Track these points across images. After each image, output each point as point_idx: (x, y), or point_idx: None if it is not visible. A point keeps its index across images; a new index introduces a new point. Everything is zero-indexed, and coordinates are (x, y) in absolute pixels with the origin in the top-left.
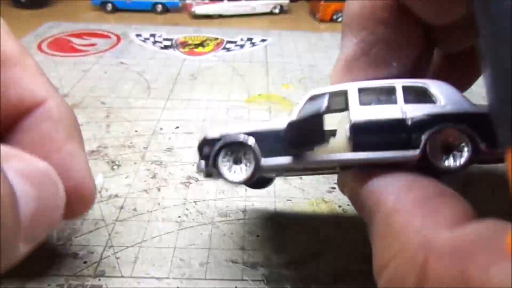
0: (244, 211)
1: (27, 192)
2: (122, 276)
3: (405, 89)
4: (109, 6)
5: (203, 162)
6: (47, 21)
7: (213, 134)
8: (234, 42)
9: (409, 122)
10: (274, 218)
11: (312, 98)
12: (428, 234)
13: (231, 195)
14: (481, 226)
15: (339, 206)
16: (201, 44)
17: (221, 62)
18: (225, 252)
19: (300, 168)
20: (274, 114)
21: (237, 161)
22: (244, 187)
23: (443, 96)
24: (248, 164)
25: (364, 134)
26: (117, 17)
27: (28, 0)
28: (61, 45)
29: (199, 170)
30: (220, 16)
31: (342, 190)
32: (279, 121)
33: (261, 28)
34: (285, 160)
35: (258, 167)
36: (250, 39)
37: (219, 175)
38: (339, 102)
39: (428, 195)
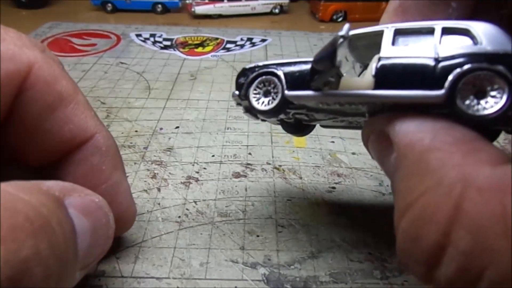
0: (244, 211)
1: (84, 226)
2: (122, 276)
3: (445, 30)
4: (109, 6)
5: (237, 91)
6: (47, 21)
7: (250, 65)
8: (234, 42)
9: (439, 62)
10: (274, 218)
11: (350, 42)
12: (468, 169)
13: (231, 195)
14: None
15: (339, 206)
16: (201, 44)
17: (221, 62)
18: (225, 252)
19: (325, 108)
20: None
21: (267, 94)
22: (245, 186)
23: (486, 37)
24: (275, 96)
25: (389, 74)
26: (117, 17)
27: (28, 0)
28: (61, 45)
29: (233, 97)
30: (220, 16)
31: (366, 140)
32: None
33: (261, 28)
34: (307, 93)
35: (283, 100)
36: (250, 39)
37: (249, 105)
38: (371, 51)
39: (468, 137)
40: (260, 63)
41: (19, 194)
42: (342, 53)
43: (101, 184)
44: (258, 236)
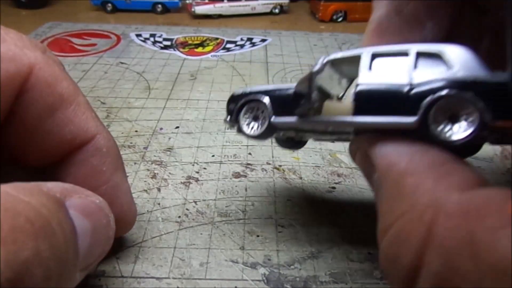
0: (244, 211)
1: (85, 227)
2: (122, 276)
3: (419, 54)
4: (109, 6)
5: (228, 116)
6: (47, 21)
7: (238, 91)
8: (234, 42)
9: (413, 88)
10: (274, 218)
11: (333, 63)
12: (439, 194)
13: (231, 195)
14: (491, 191)
15: (339, 206)
16: (201, 44)
17: (221, 62)
18: (225, 252)
19: (310, 130)
20: None
21: (256, 119)
22: (245, 186)
23: (458, 62)
24: (263, 121)
25: (367, 99)
26: (117, 17)
27: (28, 0)
28: (61, 45)
29: (224, 122)
30: (220, 16)
31: (353, 156)
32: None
33: (261, 28)
34: (291, 119)
35: (271, 125)
36: (250, 39)
37: (239, 129)
38: (354, 68)
39: (441, 160)
40: (248, 90)
41: (19, 195)
42: (325, 76)
43: (102, 185)
44: (258, 236)
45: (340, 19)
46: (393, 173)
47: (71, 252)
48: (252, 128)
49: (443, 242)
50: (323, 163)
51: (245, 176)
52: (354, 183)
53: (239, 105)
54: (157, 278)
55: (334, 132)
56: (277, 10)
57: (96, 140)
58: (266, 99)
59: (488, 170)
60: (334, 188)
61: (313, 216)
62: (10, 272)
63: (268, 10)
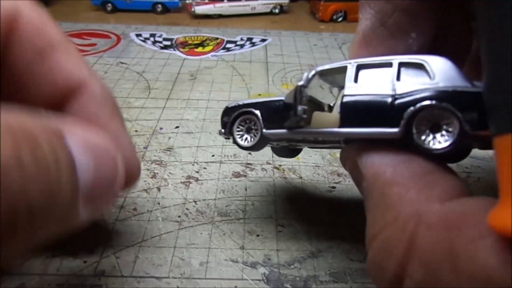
0: (244, 211)
1: (87, 162)
2: (122, 276)
3: (402, 65)
4: (109, 6)
5: (223, 129)
6: None
7: (231, 104)
8: (234, 42)
9: (397, 99)
10: (274, 218)
11: (321, 74)
12: (420, 206)
13: (231, 195)
14: (471, 201)
15: (339, 206)
16: (201, 44)
17: (221, 62)
18: (225, 252)
19: (302, 140)
20: None
21: (249, 131)
22: (245, 186)
23: (439, 73)
24: (256, 133)
25: (353, 110)
26: (117, 17)
27: None
28: None
29: (219, 134)
30: (220, 16)
31: (344, 164)
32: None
33: (261, 28)
34: (282, 131)
35: (263, 137)
36: (250, 39)
37: (233, 141)
38: (341, 78)
39: (424, 170)
40: (241, 102)
41: (5, 113)
42: (314, 87)
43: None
44: (258, 235)
45: (340, 19)
46: (378, 183)
47: (67, 181)
48: (246, 139)
49: (424, 253)
50: (323, 163)
51: (245, 176)
52: None
53: (233, 118)
54: (157, 278)
55: (325, 141)
56: (277, 10)
57: (90, 87)
58: (258, 112)
59: (488, 170)
60: (334, 187)
61: (313, 215)
62: None
63: (268, 10)
